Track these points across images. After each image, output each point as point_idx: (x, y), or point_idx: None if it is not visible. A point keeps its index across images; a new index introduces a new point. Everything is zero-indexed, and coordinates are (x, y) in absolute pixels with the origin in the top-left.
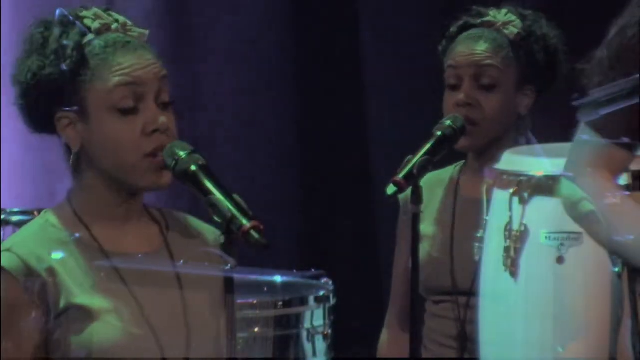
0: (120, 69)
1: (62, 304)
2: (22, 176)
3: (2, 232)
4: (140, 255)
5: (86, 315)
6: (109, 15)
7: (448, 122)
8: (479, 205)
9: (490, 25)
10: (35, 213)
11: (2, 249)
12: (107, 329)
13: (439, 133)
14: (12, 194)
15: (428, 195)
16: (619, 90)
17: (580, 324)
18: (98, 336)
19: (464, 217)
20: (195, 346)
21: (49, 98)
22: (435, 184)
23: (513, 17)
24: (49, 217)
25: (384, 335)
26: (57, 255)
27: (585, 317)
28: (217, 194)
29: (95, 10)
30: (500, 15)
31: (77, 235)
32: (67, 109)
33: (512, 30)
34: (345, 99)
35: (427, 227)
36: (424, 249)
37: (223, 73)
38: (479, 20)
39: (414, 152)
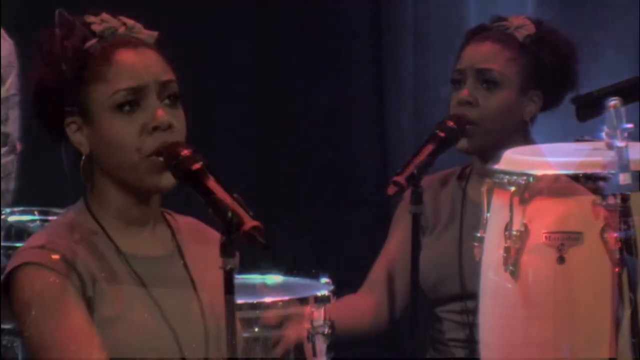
0: (121, 69)
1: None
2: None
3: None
4: (154, 258)
5: (107, 314)
6: (118, 19)
7: (450, 123)
8: None
9: (504, 28)
10: (36, 213)
11: (35, 247)
12: (127, 328)
13: (440, 134)
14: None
15: (432, 197)
16: (618, 90)
17: (580, 324)
18: (118, 336)
19: (473, 221)
20: (213, 347)
21: (57, 104)
22: (439, 186)
23: (527, 22)
24: (73, 217)
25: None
26: (80, 248)
27: (585, 318)
28: (218, 194)
29: (102, 15)
30: (516, 20)
31: (96, 232)
32: (72, 112)
33: (522, 32)
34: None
35: (434, 230)
36: (431, 253)
37: (228, 71)
38: (494, 24)
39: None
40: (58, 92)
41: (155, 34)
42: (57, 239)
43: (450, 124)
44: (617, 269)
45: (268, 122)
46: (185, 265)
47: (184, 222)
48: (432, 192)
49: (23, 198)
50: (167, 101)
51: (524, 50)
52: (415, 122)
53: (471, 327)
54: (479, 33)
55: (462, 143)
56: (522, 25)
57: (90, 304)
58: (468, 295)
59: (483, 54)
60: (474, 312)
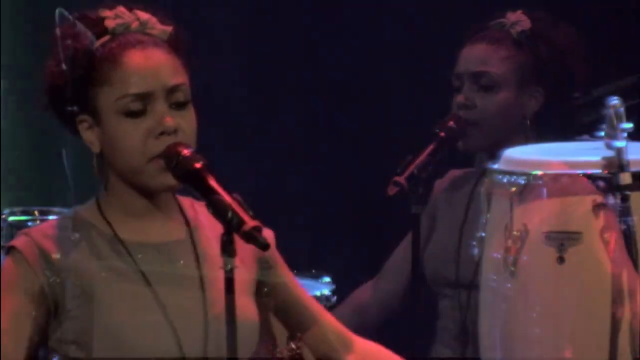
0: (128, 74)
1: (74, 291)
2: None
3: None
4: (160, 244)
5: (99, 301)
6: (132, 13)
7: (450, 123)
8: None
9: (500, 25)
10: (36, 213)
11: (22, 233)
12: (118, 315)
13: (441, 133)
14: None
15: (452, 191)
16: (618, 90)
17: (580, 324)
18: (109, 322)
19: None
20: (212, 338)
21: (68, 102)
22: (462, 181)
23: (523, 17)
24: (78, 210)
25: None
26: (75, 242)
27: (585, 318)
28: (218, 194)
29: (117, 9)
30: (513, 16)
31: (97, 226)
32: (83, 111)
33: (517, 28)
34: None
35: (443, 219)
36: (436, 239)
37: (236, 72)
38: (492, 22)
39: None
40: (68, 91)
41: (169, 29)
42: (47, 229)
43: (451, 123)
44: (617, 269)
45: (267, 121)
46: (195, 252)
47: (204, 213)
48: (451, 185)
49: (23, 198)
50: (175, 104)
51: (519, 47)
52: (416, 120)
53: (464, 321)
54: (475, 34)
55: (464, 142)
56: (517, 21)
57: (55, 295)
58: (461, 285)
59: (477, 57)
60: (466, 305)
